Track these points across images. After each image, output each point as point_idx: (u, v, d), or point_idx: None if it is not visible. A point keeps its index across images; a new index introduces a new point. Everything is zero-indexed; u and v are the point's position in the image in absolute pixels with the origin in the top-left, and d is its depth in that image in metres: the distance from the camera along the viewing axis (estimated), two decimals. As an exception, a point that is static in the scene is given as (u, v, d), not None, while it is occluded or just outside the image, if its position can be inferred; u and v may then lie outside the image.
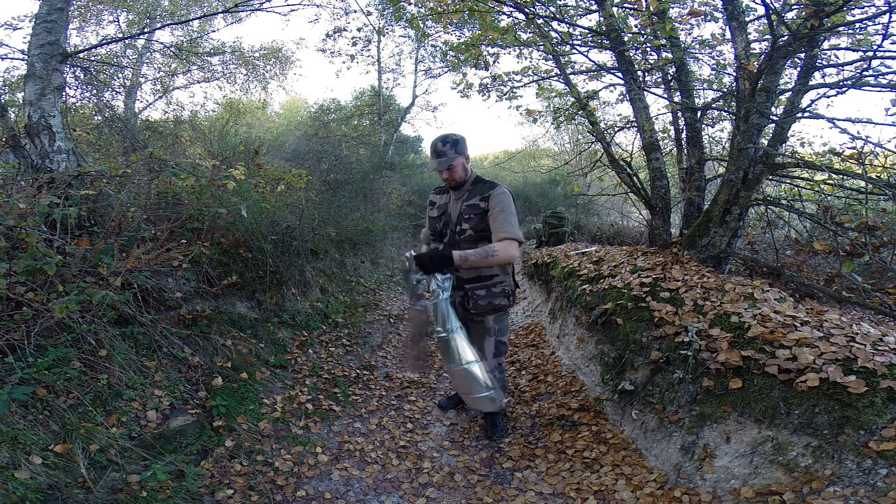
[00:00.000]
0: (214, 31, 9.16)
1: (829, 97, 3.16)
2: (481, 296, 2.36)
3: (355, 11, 10.87)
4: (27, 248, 2.02)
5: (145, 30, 7.51)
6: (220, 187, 2.99)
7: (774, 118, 3.16)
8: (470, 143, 2.37)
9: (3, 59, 3.85)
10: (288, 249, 4.00)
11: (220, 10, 7.41)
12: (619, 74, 4.11)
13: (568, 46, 4.32)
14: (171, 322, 2.68)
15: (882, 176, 2.83)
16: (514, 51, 4.70)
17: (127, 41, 7.24)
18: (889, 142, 4.84)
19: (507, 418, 2.86)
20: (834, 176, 2.93)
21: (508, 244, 2.15)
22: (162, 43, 8.59)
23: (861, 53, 3.14)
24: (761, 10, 3.13)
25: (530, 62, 5.70)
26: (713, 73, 4.33)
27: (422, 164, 12.25)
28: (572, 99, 4.70)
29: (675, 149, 4.42)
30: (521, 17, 4.02)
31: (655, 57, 4.15)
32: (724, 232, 3.19)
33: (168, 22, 7.72)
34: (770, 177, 3.19)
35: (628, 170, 4.14)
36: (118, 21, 8.14)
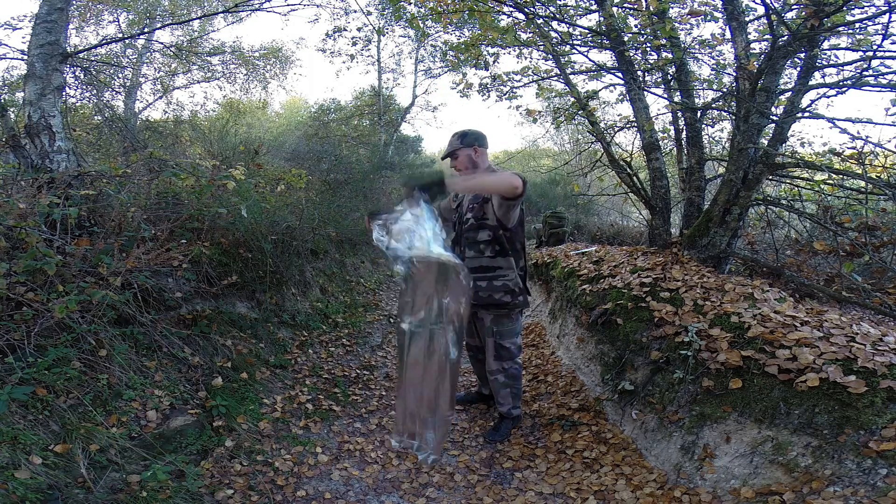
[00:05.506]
0: (214, 31, 9.17)
1: (829, 97, 3.16)
2: (482, 287, 2.40)
3: (355, 11, 10.86)
4: (27, 248, 2.02)
5: (145, 30, 7.51)
6: (220, 187, 2.98)
7: (774, 118, 3.16)
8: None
9: (2, 58, 3.85)
10: (288, 249, 4.00)
11: (220, 10, 7.41)
12: (619, 74, 4.10)
13: (568, 46, 4.32)
14: (171, 322, 2.68)
15: (882, 176, 2.83)
16: (514, 51, 4.69)
17: (127, 41, 7.24)
18: (889, 142, 4.83)
19: (518, 427, 2.75)
20: (834, 176, 2.93)
21: (510, 174, 2.11)
22: (162, 43, 8.59)
23: (861, 53, 3.14)
24: (761, 10, 3.13)
25: (530, 62, 5.67)
26: (713, 73, 4.32)
27: (422, 164, 12.25)
28: (572, 99, 4.69)
29: (675, 149, 4.41)
30: (521, 17, 4.01)
31: (655, 57, 4.14)
32: (724, 232, 3.19)
33: (168, 22, 7.72)
34: (770, 177, 3.19)
35: (628, 170, 4.14)
36: (118, 21, 8.14)
